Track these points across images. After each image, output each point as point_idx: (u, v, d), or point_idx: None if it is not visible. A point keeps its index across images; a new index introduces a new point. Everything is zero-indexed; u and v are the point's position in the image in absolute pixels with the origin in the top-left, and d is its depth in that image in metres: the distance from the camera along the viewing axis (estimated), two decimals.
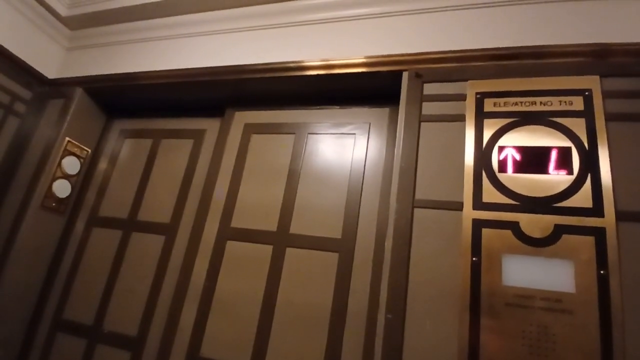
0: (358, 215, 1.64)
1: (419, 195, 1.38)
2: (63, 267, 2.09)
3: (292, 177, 1.79)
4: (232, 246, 1.76)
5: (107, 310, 1.91)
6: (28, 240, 1.96)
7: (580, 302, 1.09)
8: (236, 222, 1.80)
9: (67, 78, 2.27)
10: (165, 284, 1.86)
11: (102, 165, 2.28)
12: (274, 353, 1.53)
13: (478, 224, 1.25)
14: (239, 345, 1.58)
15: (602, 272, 1.09)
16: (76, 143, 2.16)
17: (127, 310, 1.88)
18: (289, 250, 1.67)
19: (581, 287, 1.10)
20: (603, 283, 1.09)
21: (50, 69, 2.29)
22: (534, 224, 1.20)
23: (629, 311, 1.06)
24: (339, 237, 1.62)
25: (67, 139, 2.10)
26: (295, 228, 1.70)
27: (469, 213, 1.28)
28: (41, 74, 2.23)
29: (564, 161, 1.23)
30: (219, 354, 1.60)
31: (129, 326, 1.84)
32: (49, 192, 2.03)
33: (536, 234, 1.19)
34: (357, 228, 1.62)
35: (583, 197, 1.18)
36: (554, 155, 1.25)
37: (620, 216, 1.14)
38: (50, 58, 2.30)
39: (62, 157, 2.09)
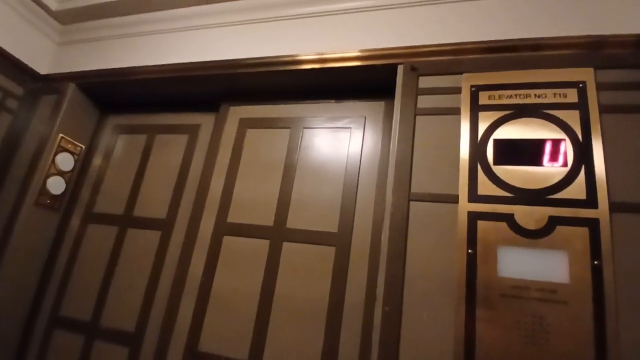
0: (354, 209, 1.64)
1: (414, 188, 1.38)
2: (59, 264, 2.08)
3: (288, 172, 1.79)
4: (228, 241, 1.76)
5: (105, 307, 1.91)
6: (23, 238, 1.95)
7: (574, 293, 1.10)
8: (232, 217, 1.80)
9: (59, 74, 2.24)
10: (162, 280, 1.86)
11: (97, 161, 2.26)
12: (272, 346, 1.54)
13: (473, 217, 1.26)
14: (237, 340, 1.59)
15: (595, 262, 1.11)
16: (70, 139, 2.14)
17: (124, 306, 1.88)
18: (285, 245, 1.67)
19: (575, 278, 1.11)
20: (597, 273, 1.10)
21: (42, 65, 2.27)
22: (529, 215, 1.20)
23: (622, 301, 1.07)
24: (336, 231, 1.63)
25: (61, 135, 2.09)
26: (291, 222, 1.70)
27: (465, 205, 1.29)
28: (33, 69, 2.21)
29: (558, 153, 1.24)
30: (217, 348, 1.61)
31: (126, 322, 1.84)
32: (43, 189, 2.02)
33: (531, 225, 1.19)
34: (353, 222, 1.63)
35: (577, 189, 1.19)
36: (548, 147, 1.25)
37: (614, 207, 1.15)
38: (41, 53, 2.27)
39: (56, 154, 2.07)
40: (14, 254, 1.91)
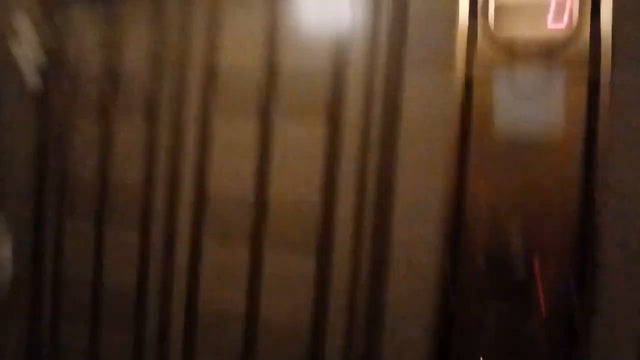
0: (345, 75, 1.57)
1: (410, 53, 1.36)
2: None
3: (272, 41, 1.66)
4: (219, 121, 1.76)
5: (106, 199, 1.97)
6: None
7: (566, 144, 1.18)
8: (220, 96, 1.75)
9: None
10: (158, 166, 1.88)
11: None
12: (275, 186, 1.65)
13: (470, 79, 1.28)
14: (241, 182, 1.69)
15: (592, 120, 1.15)
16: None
17: (126, 188, 1.94)
18: (276, 124, 1.66)
19: (570, 133, 1.18)
20: (592, 129, 1.15)
21: None
22: (528, 76, 1.23)
23: (615, 152, 1.14)
24: (327, 102, 1.59)
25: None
26: (279, 100, 1.66)
27: (462, 67, 1.29)
28: None
29: (563, 12, 1.20)
30: (224, 190, 1.73)
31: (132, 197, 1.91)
32: None
33: (529, 86, 1.23)
34: (343, 91, 1.57)
35: (581, 49, 1.17)
36: (552, 5, 1.20)
37: (617, 67, 1.14)
38: None
39: None
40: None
